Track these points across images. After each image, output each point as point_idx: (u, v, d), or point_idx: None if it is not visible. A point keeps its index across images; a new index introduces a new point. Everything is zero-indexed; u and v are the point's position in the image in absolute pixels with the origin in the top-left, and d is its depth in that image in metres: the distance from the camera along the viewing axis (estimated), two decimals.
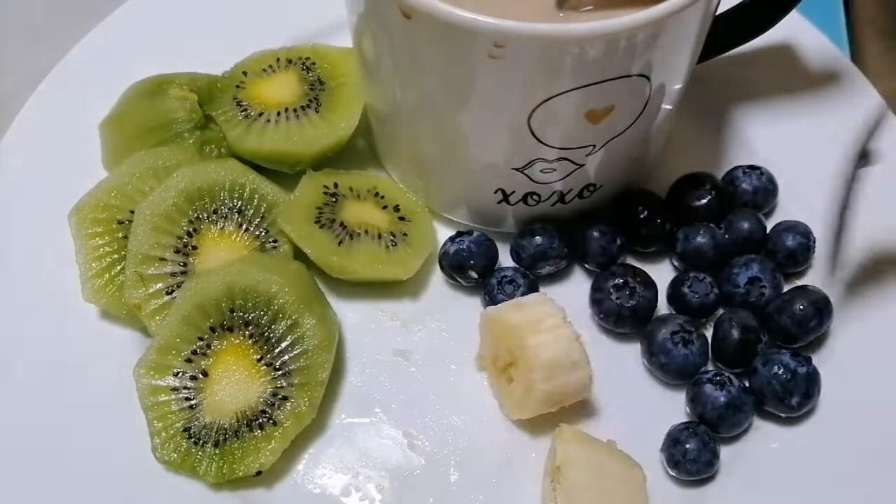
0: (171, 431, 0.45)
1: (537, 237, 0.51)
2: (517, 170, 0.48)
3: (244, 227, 0.50)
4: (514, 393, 0.46)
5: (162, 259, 0.48)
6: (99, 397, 0.48)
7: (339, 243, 0.50)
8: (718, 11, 0.47)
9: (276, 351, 0.47)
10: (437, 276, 0.54)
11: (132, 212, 0.49)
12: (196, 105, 0.54)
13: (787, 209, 0.55)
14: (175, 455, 0.45)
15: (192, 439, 0.45)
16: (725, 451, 0.47)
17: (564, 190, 0.50)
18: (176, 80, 0.55)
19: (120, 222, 0.50)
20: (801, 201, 0.55)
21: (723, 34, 0.52)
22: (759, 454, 0.47)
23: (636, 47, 0.41)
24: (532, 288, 0.51)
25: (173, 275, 0.48)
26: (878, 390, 0.48)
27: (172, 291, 0.48)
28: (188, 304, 0.46)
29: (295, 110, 0.55)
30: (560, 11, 0.43)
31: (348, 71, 0.56)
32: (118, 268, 0.49)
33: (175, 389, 0.46)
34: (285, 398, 0.46)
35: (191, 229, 0.49)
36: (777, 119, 0.58)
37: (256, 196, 0.51)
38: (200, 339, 0.47)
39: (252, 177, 0.51)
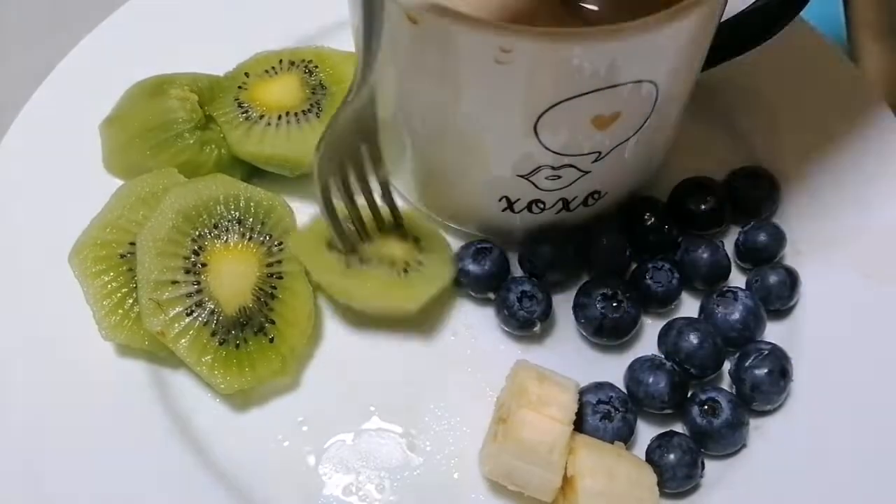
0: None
1: (550, 245, 0.51)
2: (522, 177, 0.48)
3: (247, 236, 0.50)
4: (491, 445, 0.45)
5: (174, 282, 0.48)
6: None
7: (347, 266, 0.50)
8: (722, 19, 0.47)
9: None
10: None
11: (132, 244, 0.49)
12: (196, 105, 0.54)
13: (788, 212, 0.55)
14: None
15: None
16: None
17: (569, 197, 0.50)
18: (177, 80, 0.55)
19: (122, 256, 0.49)
20: (801, 203, 0.55)
21: (727, 41, 0.52)
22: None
23: (645, 52, 0.41)
24: (548, 305, 0.50)
25: (189, 295, 0.48)
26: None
27: (193, 312, 0.48)
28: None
29: (296, 115, 0.54)
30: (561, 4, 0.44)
31: (351, 76, 0.55)
32: (130, 301, 0.48)
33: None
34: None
35: (196, 248, 0.49)
36: (778, 121, 0.58)
37: (252, 204, 0.51)
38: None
39: (243, 186, 0.51)
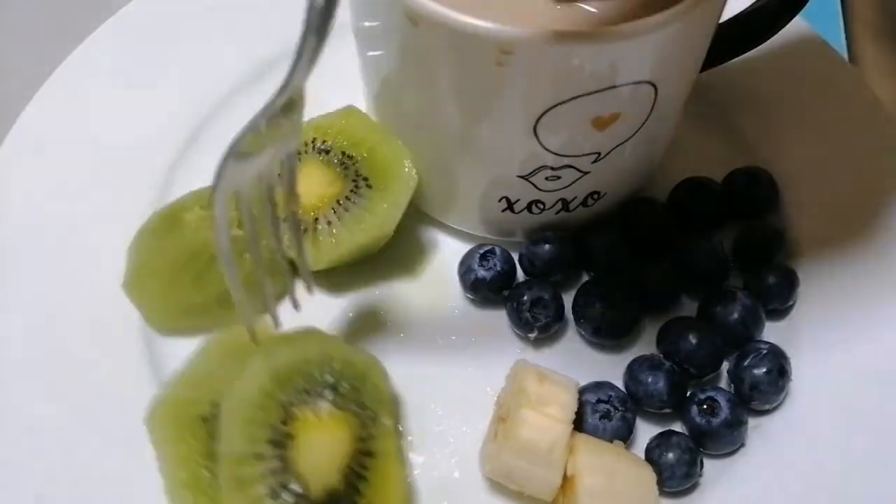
0: None
1: (550, 245, 0.51)
2: (522, 177, 0.48)
3: (341, 404, 0.45)
4: (491, 444, 0.45)
5: (259, 456, 0.42)
6: None
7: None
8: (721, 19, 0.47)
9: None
10: (437, 280, 0.54)
11: (214, 404, 0.44)
12: None
13: (787, 212, 0.55)
14: None
15: None
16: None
17: (569, 198, 0.50)
18: (183, 204, 0.51)
19: (203, 419, 0.44)
20: (801, 203, 0.55)
21: (727, 41, 0.52)
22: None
23: (644, 53, 0.41)
24: (558, 311, 0.50)
25: (274, 472, 0.42)
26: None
27: (277, 494, 0.42)
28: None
29: (346, 199, 0.50)
30: (557, 5, 0.44)
31: (360, 133, 0.52)
32: (207, 472, 0.43)
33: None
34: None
35: (285, 416, 0.43)
36: (777, 121, 0.58)
37: (348, 367, 0.46)
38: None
39: (340, 347, 0.46)
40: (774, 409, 0.49)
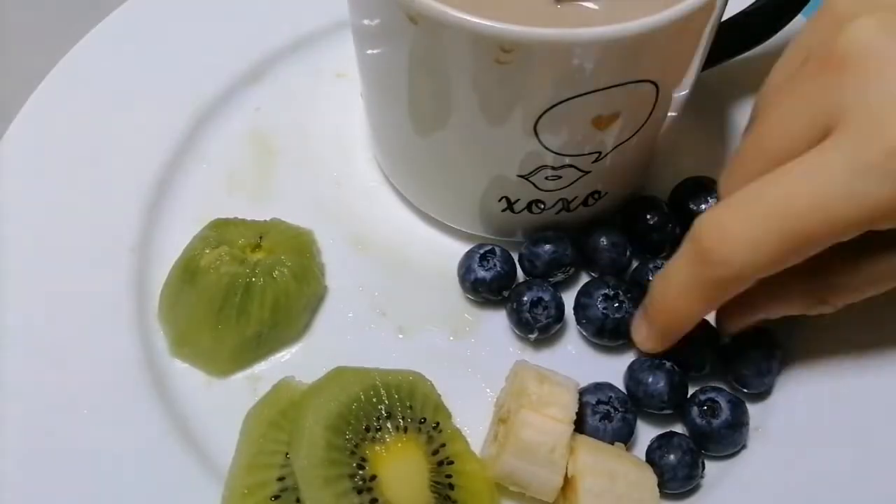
0: None
1: (550, 245, 0.51)
2: (522, 177, 0.48)
3: (402, 427, 0.45)
4: (491, 445, 0.45)
5: None
6: None
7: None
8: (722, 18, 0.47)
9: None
10: (437, 280, 0.53)
11: (280, 479, 0.43)
12: (232, 250, 0.50)
13: None
14: None
15: None
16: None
17: (570, 197, 0.50)
18: (193, 253, 0.50)
19: (275, 498, 0.43)
20: None
21: (727, 41, 0.52)
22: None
23: (645, 52, 0.41)
24: (559, 312, 0.50)
25: None
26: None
27: None
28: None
29: None
30: (558, 4, 0.43)
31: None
32: None
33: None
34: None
35: (359, 461, 0.43)
36: None
37: (393, 389, 0.45)
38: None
39: (377, 373, 0.46)
40: (775, 409, 0.48)
